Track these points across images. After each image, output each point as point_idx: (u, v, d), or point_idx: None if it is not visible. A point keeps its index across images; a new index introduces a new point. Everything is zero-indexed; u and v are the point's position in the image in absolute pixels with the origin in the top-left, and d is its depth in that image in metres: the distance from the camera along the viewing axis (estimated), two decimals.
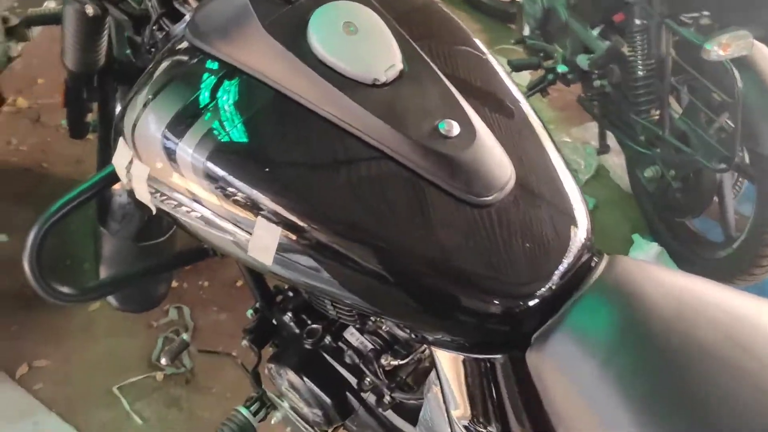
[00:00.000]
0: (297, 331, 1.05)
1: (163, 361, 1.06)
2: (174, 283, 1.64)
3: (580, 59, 2.09)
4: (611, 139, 2.22)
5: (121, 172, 0.79)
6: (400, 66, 0.72)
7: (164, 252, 1.36)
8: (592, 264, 0.71)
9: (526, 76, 2.76)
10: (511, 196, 0.69)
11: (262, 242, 0.70)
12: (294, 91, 0.70)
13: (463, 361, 0.73)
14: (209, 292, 1.70)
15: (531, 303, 0.67)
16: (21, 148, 1.97)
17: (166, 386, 1.50)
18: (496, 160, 0.70)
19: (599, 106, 2.12)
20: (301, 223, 0.68)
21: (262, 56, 0.72)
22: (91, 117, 1.44)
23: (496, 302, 0.67)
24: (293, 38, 0.72)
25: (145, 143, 0.75)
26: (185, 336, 1.07)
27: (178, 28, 0.87)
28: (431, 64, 0.75)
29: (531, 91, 2.38)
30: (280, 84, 0.71)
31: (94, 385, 1.47)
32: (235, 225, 0.71)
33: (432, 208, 0.68)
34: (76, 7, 1.04)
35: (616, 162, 2.39)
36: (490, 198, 0.68)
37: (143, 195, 0.78)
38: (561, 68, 2.20)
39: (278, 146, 0.70)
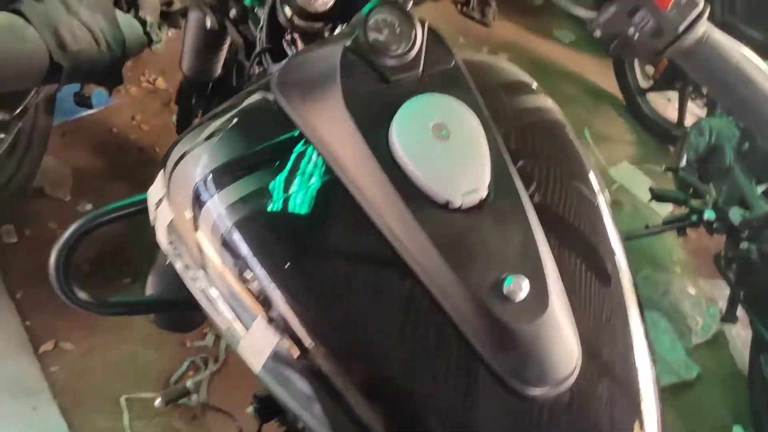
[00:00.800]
0: (299, 426, 0.93)
1: (158, 403, 0.96)
2: None
3: (733, 212, 1.85)
4: (742, 309, 1.94)
5: (150, 206, 0.71)
6: (483, 192, 0.59)
7: None
8: None
9: (667, 207, 2.52)
10: (566, 394, 0.55)
11: (255, 345, 0.59)
12: (353, 185, 0.59)
13: None
14: None
15: None
16: (143, 127, 2.00)
17: (171, 415, 1.41)
18: (563, 346, 0.55)
19: (737, 273, 1.86)
20: (305, 341, 0.56)
21: (334, 134, 0.61)
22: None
23: None
24: (373, 124, 0.60)
25: (180, 185, 0.66)
26: (190, 383, 0.97)
27: (275, 68, 0.79)
28: (523, 198, 0.60)
29: (667, 225, 2.15)
30: (341, 171, 0.59)
31: (104, 386, 1.41)
32: (234, 312, 0.60)
33: (463, 378, 0.55)
34: (198, 16, 1.00)
35: (740, 334, 2.10)
36: (539, 391, 0.54)
37: (162, 240, 0.69)
38: (709, 214, 1.96)
39: (312, 242, 0.59)
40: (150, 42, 1.68)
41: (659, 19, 0.55)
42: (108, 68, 1.28)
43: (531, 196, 0.62)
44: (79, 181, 1.78)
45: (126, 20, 1.40)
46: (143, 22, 1.70)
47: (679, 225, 2.10)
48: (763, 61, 0.64)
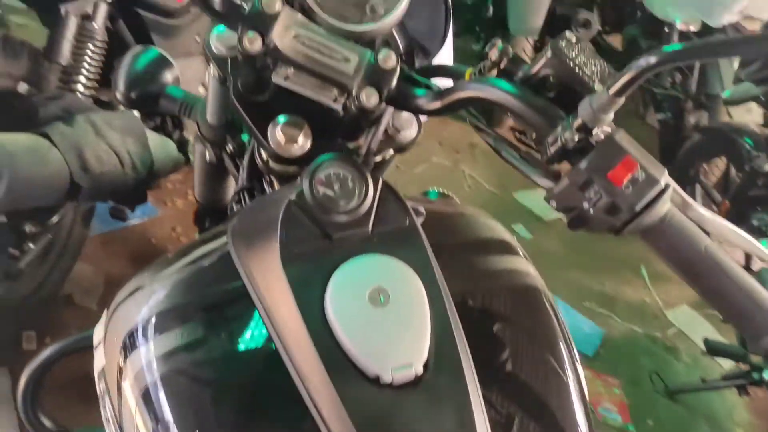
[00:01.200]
0: None
1: None
2: None
3: None
4: None
5: (94, 346, 0.68)
6: (418, 368, 0.52)
7: None
8: None
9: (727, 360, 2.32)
10: None
11: None
12: (285, 352, 0.54)
13: None
14: None
15: None
16: (182, 239, 2.05)
17: None
18: None
19: None
20: None
21: (270, 292, 0.56)
22: None
23: None
24: (308, 285, 0.55)
25: (118, 327, 0.63)
26: None
27: None
28: (467, 374, 0.53)
29: (727, 381, 1.97)
30: (275, 334, 0.55)
31: None
32: None
33: None
34: (201, 148, 1.01)
35: None
36: None
37: (97, 385, 0.65)
38: None
39: (237, 412, 0.54)
40: (187, 161, 1.74)
41: (613, 196, 0.50)
42: (131, 189, 1.33)
43: (480, 372, 0.55)
44: (111, 290, 1.80)
45: (160, 141, 1.46)
46: (185, 142, 1.77)
47: (739, 382, 1.92)
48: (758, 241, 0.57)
